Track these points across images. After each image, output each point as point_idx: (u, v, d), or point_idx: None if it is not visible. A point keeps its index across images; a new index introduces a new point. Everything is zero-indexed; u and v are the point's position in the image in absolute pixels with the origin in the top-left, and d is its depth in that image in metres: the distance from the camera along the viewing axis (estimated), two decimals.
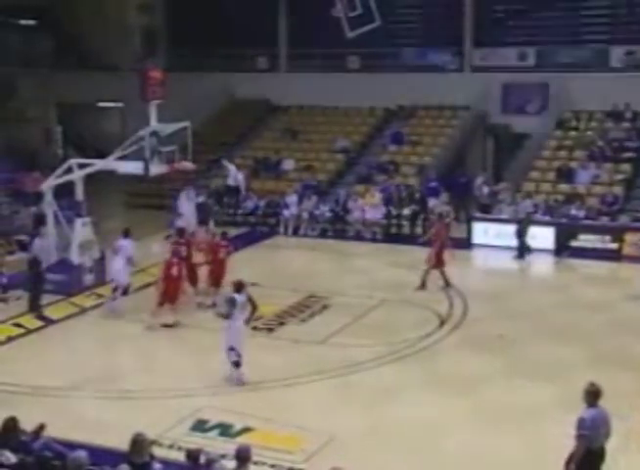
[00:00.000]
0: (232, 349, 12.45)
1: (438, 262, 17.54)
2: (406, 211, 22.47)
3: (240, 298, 12.62)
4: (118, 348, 14.68)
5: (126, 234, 17.06)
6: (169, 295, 15.20)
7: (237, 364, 12.50)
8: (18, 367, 13.41)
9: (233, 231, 22.29)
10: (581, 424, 8.54)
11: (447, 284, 17.51)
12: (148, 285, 17.12)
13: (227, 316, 12.60)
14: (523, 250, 20.03)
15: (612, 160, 23.39)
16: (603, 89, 24.09)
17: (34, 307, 16.00)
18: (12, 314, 15.96)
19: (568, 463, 8.65)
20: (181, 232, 17.28)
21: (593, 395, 8.72)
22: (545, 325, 15.35)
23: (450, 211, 22.48)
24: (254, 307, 12.88)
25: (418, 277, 17.61)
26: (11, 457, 7.41)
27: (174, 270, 15.29)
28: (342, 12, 23.33)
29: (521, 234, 20.05)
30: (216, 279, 16.46)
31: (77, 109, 32.07)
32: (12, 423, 8.13)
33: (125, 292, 16.24)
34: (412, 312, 16.22)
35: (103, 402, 11.87)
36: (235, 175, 24.61)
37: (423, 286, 17.50)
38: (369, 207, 22.83)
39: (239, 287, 12.78)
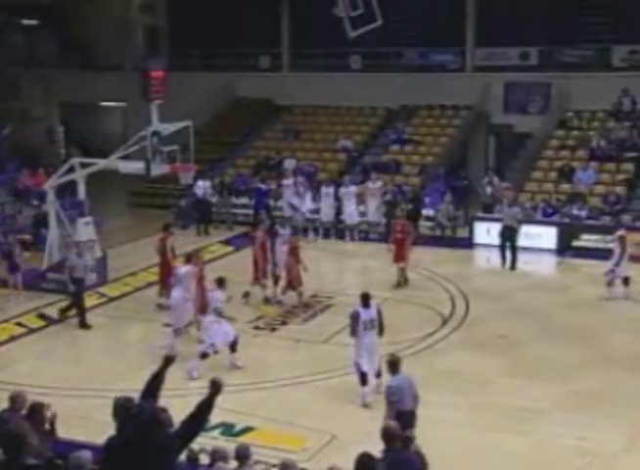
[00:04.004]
0: (356, 364, 11.97)
1: (399, 258, 17.62)
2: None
3: (366, 313, 11.92)
4: (119, 347, 14.68)
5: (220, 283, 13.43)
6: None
7: (363, 381, 11.85)
8: (20, 367, 13.47)
9: (226, 233, 22.48)
10: (389, 391, 9.54)
11: (400, 283, 17.67)
12: None
13: (352, 333, 11.96)
14: (504, 257, 19.40)
15: (614, 159, 23.37)
16: (605, 89, 24.05)
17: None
18: (14, 313, 16.03)
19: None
20: (166, 226, 16.95)
21: (394, 364, 9.76)
22: (547, 325, 15.34)
23: (451, 209, 22.49)
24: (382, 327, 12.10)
25: (419, 277, 17.87)
26: None
27: None
28: (344, 11, 23.27)
29: (502, 242, 19.45)
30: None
31: (80, 108, 32.11)
32: (38, 406, 8.26)
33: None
34: (414, 312, 16.25)
35: (105, 402, 11.80)
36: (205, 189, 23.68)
37: (405, 282, 17.72)
38: (369, 195, 22.42)
39: (366, 300, 12.00)
